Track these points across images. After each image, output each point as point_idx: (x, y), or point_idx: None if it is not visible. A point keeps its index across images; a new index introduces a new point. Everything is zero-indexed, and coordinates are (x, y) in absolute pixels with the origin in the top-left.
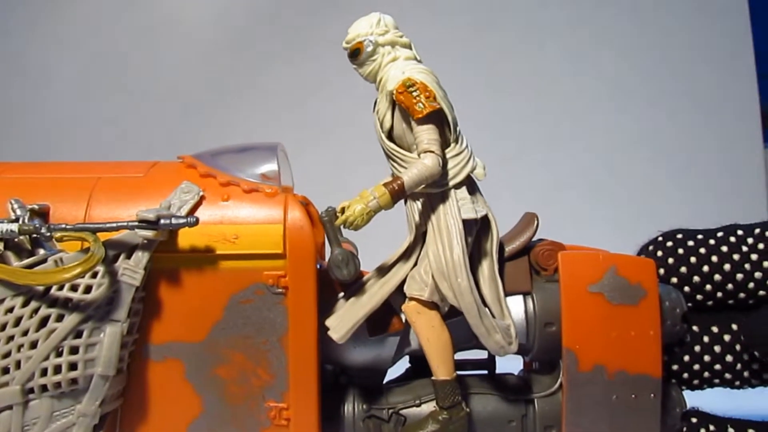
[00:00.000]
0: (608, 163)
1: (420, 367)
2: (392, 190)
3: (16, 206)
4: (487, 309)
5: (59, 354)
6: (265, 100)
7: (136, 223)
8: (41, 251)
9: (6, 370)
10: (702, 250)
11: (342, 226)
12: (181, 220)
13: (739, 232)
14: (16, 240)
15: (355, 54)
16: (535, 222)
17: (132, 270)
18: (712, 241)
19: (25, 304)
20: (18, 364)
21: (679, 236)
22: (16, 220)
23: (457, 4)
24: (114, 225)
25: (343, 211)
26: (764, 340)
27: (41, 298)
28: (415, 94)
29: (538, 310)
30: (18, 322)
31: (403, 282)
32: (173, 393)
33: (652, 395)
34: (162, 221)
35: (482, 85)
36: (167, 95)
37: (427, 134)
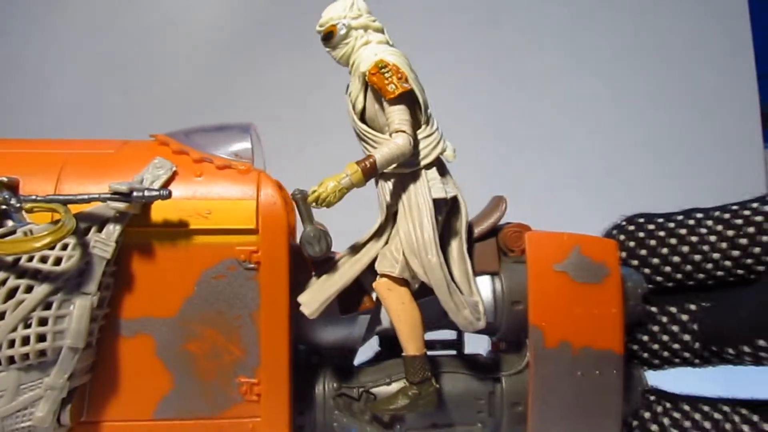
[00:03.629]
0: (607, 162)
1: (389, 348)
2: (364, 168)
3: None
4: (456, 286)
5: (27, 325)
6: (264, 101)
7: (109, 195)
8: (9, 223)
9: None
10: (661, 233)
11: (314, 204)
12: (154, 193)
13: (698, 215)
14: None
15: (329, 37)
16: (503, 205)
17: (103, 243)
18: (671, 225)
19: None
20: None
21: (640, 220)
22: None
23: (456, 3)
24: (86, 197)
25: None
26: (719, 338)
27: (10, 268)
28: (387, 75)
29: (506, 289)
30: None
31: (374, 261)
32: (144, 368)
33: (615, 371)
34: (135, 193)
35: (482, 83)
36: (167, 95)
37: (398, 114)
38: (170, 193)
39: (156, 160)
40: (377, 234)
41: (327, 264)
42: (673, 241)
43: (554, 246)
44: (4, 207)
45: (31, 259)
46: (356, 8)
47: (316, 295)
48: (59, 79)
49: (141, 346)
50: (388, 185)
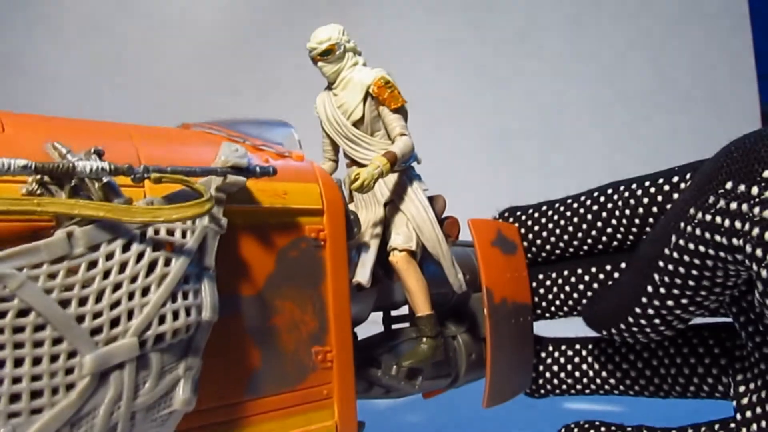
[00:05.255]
0: (607, 163)
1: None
2: (390, 158)
3: (64, 150)
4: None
5: (174, 300)
6: (265, 101)
7: (229, 169)
8: (117, 199)
9: (115, 323)
10: (537, 219)
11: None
12: (267, 168)
13: (569, 201)
14: (97, 182)
15: (327, 53)
16: (443, 202)
17: (216, 217)
18: (545, 210)
19: (125, 249)
20: (130, 314)
21: (517, 213)
22: (96, 160)
23: (454, 4)
24: (207, 169)
25: (355, 179)
26: (598, 327)
27: (142, 242)
28: (391, 90)
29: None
30: (123, 267)
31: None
32: (235, 347)
33: (529, 317)
34: (252, 168)
35: (481, 84)
36: (167, 96)
37: (399, 122)
38: (276, 170)
39: (226, 145)
40: (377, 223)
41: (351, 245)
42: (551, 225)
43: (488, 229)
44: (133, 176)
45: (157, 233)
46: (347, 34)
47: (360, 269)
48: (59, 78)
49: (232, 325)
50: (383, 181)
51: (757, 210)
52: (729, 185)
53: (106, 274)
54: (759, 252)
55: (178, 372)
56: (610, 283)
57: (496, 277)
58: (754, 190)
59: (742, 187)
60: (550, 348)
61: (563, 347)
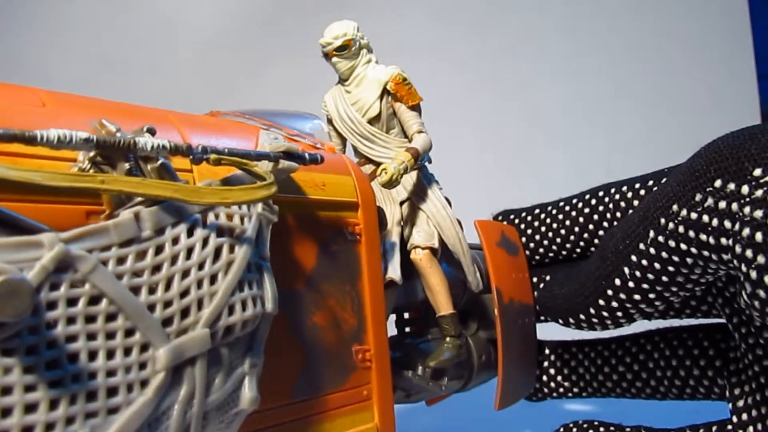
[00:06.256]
0: (607, 163)
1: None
2: (414, 154)
3: (113, 128)
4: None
5: (242, 289)
6: (265, 101)
7: (280, 153)
8: (168, 180)
9: (186, 313)
10: (530, 222)
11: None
12: (315, 156)
13: (561, 204)
14: (152, 162)
15: (343, 48)
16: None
17: (270, 204)
18: (538, 213)
19: (190, 233)
20: (200, 304)
21: (511, 216)
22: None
23: (456, 5)
24: (262, 153)
25: (382, 174)
26: (554, 315)
27: (205, 227)
28: (408, 86)
29: None
30: (190, 253)
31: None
32: (281, 347)
33: (533, 318)
34: (302, 154)
35: (482, 84)
36: (168, 95)
37: (417, 119)
38: (323, 158)
39: (267, 132)
40: (397, 221)
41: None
42: (543, 228)
43: (493, 230)
44: (192, 157)
45: (217, 218)
46: (361, 30)
47: (390, 266)
48: (59, 78)
49: (277, 323)
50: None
51: (747, 209)
52: (718, 183)
53: (174, 260)
54: (749, 253)
55: (244, 368)
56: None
57: (504, 278)
58: (745, 189)
59: (732, 186)
60: (547, 351)
61: (560, 350)
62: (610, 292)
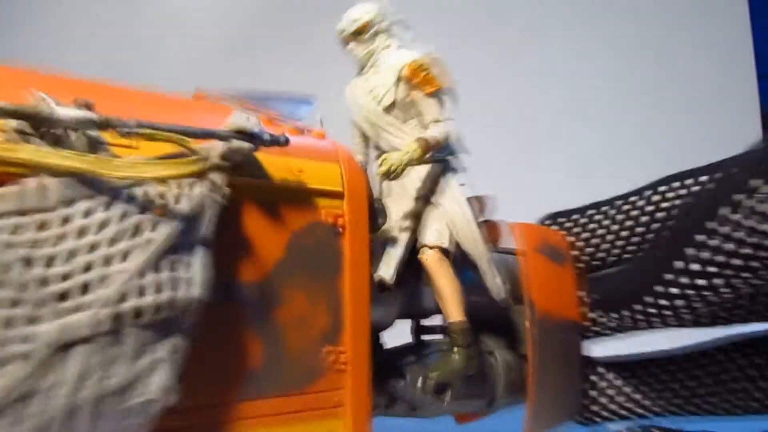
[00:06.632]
0: (607, 163)
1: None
2: (422, 145)
3: (51, 102)
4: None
5: (158, 270)
6: None
7: (233, 133)
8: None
9: (85, 288)
10: (584, 225)
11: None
12: (278, 137)
13: (617, 202)
14: (82, 136)
15: (359, 33)
16: (487, 202)
17: (217, 187)
18: (592, 213)
19: (107, 207)
20: (104, 281)
21: (560, 219)
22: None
23: (456, 4)
24: (207, 131)
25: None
26: (606, 306)
27: (129, 201)
28: (426, 71)
29: None
30: (103, 226)
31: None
32: (233, 340)
33: (578, 335)
34: (261, 134)
35: (484, 82)
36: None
37: (434, 107)
38: (288, 140)
39: (239, 113)
40: (408, 216)
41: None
42: (587, 234)
43: (532, 234)
44: (122, 130)
45: (147, 194)
46: (385, 13)
47: (385, 264)
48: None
49: (230, 315)
50: (418, 172)
51: None
52: None
53: (81, 233)
54: None
55: (159, 355)
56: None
57: (541, 289)
58: None
59: None
60: (602, 370)
61: (618, 369)
62: (670, 277)
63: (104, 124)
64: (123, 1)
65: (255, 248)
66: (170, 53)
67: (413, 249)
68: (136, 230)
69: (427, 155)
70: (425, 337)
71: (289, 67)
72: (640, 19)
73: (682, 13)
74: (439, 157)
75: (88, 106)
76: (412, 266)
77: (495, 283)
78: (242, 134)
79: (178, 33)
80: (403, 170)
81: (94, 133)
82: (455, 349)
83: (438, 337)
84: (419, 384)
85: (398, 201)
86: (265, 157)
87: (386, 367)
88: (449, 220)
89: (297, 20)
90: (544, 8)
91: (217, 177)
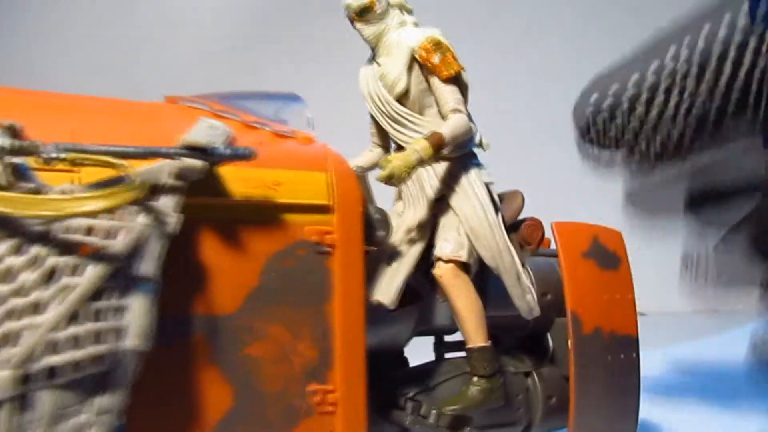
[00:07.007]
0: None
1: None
2: (434, 142)
3: None
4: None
5: (76, 321)
6: None
7: (182, 150)
8: (23, 185)
9: None
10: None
11: (385, 182)
12: (238, 151)
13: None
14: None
15: (365, 12)
16: (521, 199)
17: (163, 214)
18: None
19: (17, 251)
20: (9, 339)
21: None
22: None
23: (458, 3)
24: (149, 150)
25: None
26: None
27: (43, 242)
28: (441, 53)
29: (534, 280)
30: (9, 276)
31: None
32: (197, 381)
33: (634, 354)
34: (216, 149)
35: (487, 81)
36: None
37: (453, 94)
38: (254, 153)
39: (204, 121)
40: (419, 225)
41: (378, 252)
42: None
43: (578, 235)
44: (40, 157)
45: (70, 231)
46: None
47: (386, 284)
48: (58, 78)
49: (193, 353)
50: (433, 171)
51: None
52: None
53: None
54: None
55: (85, 417)
56: None
57: (587, 299)
58: None
59: None
60: None
61: None
62: None
63: (18, 151)
64: (123, 1)
65: (221, 277)
66: (170, 53)
67: (428, 260)
68: (51, 276)
69: (444, 152)
70: (449, 355)
71: (289, 67)
72: (640, 18)
73: (682, 13)
74: (458, 153)
75: (14, 131)
76: (428, 277)
77: (524, 301)
78: (195, 150)
79: (178, 33)
80: (409, 174)
81: (18, 160)
82: (474, 379)
83: (462, 355)
84: (432, 420)
85: (416, 206)
86: (235, 171)
87: (397, 393)
88: (468, 228)
89: (297, 20)
90: (544, 7)
91: (167, 201)
